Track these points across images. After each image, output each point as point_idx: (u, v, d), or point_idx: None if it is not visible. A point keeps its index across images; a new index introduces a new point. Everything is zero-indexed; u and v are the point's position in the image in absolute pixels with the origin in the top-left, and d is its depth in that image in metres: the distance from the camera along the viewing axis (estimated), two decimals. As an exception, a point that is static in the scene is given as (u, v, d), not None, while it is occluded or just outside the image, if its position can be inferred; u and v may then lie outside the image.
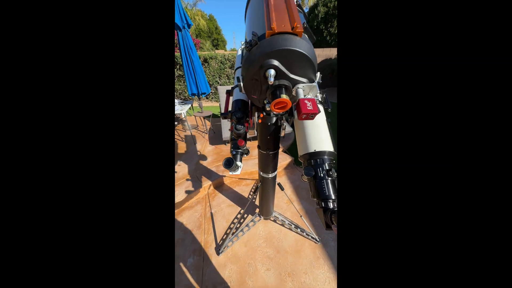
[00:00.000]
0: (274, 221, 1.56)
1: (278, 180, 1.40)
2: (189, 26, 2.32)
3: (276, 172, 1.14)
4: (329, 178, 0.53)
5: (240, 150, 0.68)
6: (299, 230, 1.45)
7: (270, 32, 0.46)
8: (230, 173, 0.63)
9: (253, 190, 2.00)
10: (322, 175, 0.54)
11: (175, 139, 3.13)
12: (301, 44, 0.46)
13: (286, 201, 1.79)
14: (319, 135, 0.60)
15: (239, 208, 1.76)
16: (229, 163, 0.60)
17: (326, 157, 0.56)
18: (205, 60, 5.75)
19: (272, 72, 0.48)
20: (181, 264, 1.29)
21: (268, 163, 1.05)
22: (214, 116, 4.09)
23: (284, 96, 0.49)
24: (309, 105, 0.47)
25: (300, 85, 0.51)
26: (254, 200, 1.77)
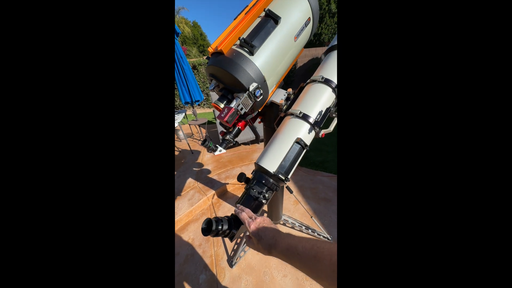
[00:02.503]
0: (284, 224, 1.54)
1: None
2: (177, 34, 2.29)
3: (284, 176, 1.13)
4: (252, 196, 0.52)
5: (226, 139, 0.77)
6: (310, 231, 1.45)
7: (209, 53, 0.60)
8: (214, 153, 0.74)
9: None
10: (248, 186, 0.56)
11: (171, 150, 3.02)
12: (217, 60, 0.55)
13: (293, 202, 1.78)
14: (276, 152, 0.57)
15: (247, 215, 1.72)
16: (203, 142, 0.71)
17: (267, 177, 0.55)
18: (194, 67, 5.70)
19: (213, 81, 0.62)
20: (195, 282, 1.23)
21: (276, 167, 1.04)
22: (209, 122, 4.02)
23: (215, 101, 0.61)
24: (223, 114, 0.56)
25: (239, 94, 0.58)
26: (261, 205, 1.74)
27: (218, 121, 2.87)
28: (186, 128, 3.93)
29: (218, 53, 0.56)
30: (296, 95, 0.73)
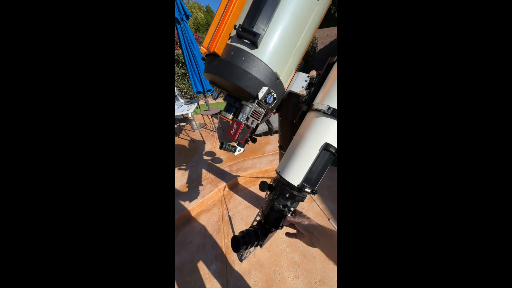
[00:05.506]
0: (297, 223, 1.46)
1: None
2: (187, 17, 2.14)
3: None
4: (276, 210, 0.48)
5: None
6: (325, 232, 1.34)
7: (202, 54, 0.46)
8: (234, 153, 0.70)
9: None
10: (272, 197, 0.52)
11: (184, 139, 3.09)
12: (213, 67, 0.43)
13: (308, 199, 1.67)
14: (300, 163, 0.48)
15: (257, 210, 1.67)
16: (221, 146, 0.69)
17: (290, 190, 0.49)
18: (207, 55, 5.53)
19: (216, 88, 0.53)
20: (205, 271, 1.26)
21: (291, 165, 0.93)
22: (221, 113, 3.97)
23: (222, 113, 0.52)
24: (233, 130, 0.48)
25: (247, 103, 0.47)
26: (272, 201, 1.67)
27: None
28: (199, 118, 3.96)
29: (212, 55, 0.43)
30: (322, 77, 0.56)
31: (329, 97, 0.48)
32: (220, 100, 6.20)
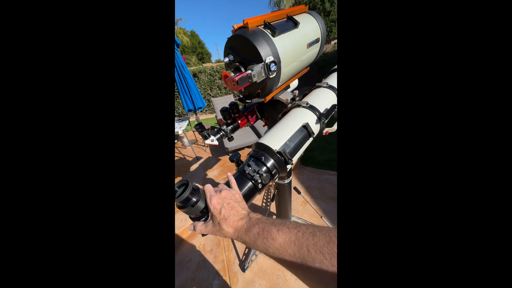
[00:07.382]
0: (294, 226, 1.53)
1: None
2: (178, 45, 2.36)
3: (291, 177, 1.13)
4: (246, 175, 0.44)
5: (222, 129, 0.77)
6: (320, 231, 1.43)
7: (233, 30, 0.63)
8: (205, 141, 0.73)
9: (265, 198, 1.97)
10: (243, 164, 0.48)
11: (177, 157, 3.08)
12: (241, 31, 0.59)
13: (301, 202, 1.77)
14: (281, 133, 0.54)
15: (255, 218, 1.71)
16: (199, 124, 0.71)
17: (267, 155, 0.48)
18: (194, 75, 5.83)
19: (230, 56, 0.64)
20: (207, 288, 1.23)
21: (283, 169, 1.04)
22: (212, 128, 4.08)
23: (227, 71, 0.59)
24: (235, 75, 0.54)
25: (252, 66, 0.58)
26: (269, 208, 1.74)
27: (217, 111, 2.89)
28: (190, 134, 4.00)
29: (242, 28, 0.62)
30: (301, 99, 0.75)
31: (308, 98, 0.66)
32: (210, 115, 6.35)
